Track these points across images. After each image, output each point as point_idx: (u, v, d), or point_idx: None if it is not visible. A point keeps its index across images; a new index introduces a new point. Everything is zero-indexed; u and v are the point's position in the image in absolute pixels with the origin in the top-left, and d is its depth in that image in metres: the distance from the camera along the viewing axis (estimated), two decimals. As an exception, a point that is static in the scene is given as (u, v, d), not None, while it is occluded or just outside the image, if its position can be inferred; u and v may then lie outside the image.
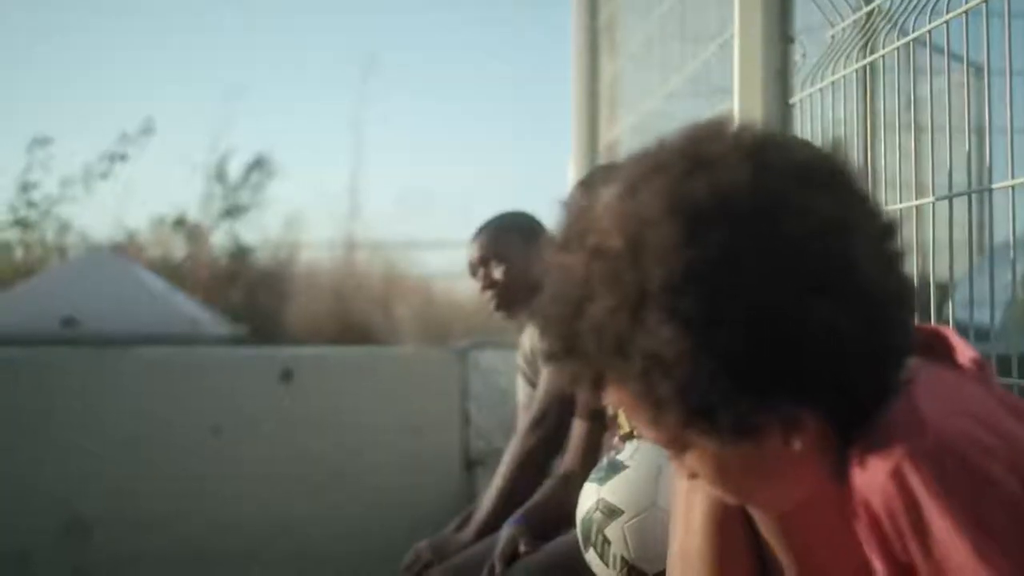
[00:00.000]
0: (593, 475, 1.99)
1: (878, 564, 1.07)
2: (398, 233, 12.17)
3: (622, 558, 1.87)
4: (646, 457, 1.95)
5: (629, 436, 2.39)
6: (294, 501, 4.62)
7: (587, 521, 1.93)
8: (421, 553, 2.73)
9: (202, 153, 11.39)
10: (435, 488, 4.62)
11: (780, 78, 2.18)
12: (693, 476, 1.15)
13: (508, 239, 3.02)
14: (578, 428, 2.62)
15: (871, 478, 1.04)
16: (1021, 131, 1.76)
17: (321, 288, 10.30)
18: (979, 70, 1.76)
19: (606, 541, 1.88)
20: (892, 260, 1.09)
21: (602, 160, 4.35)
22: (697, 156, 1.05)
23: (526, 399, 3.19)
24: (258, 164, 10.60)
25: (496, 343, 4.82)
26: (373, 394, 4.73)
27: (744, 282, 1.00)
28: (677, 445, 1.11)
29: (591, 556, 1.93)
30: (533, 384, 3.17)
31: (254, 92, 16.52)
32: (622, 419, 2.46)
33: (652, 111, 3.68)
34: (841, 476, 1.10)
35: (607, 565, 1.89)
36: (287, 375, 4.68)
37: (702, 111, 3.15)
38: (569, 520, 2.49)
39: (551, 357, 1.11)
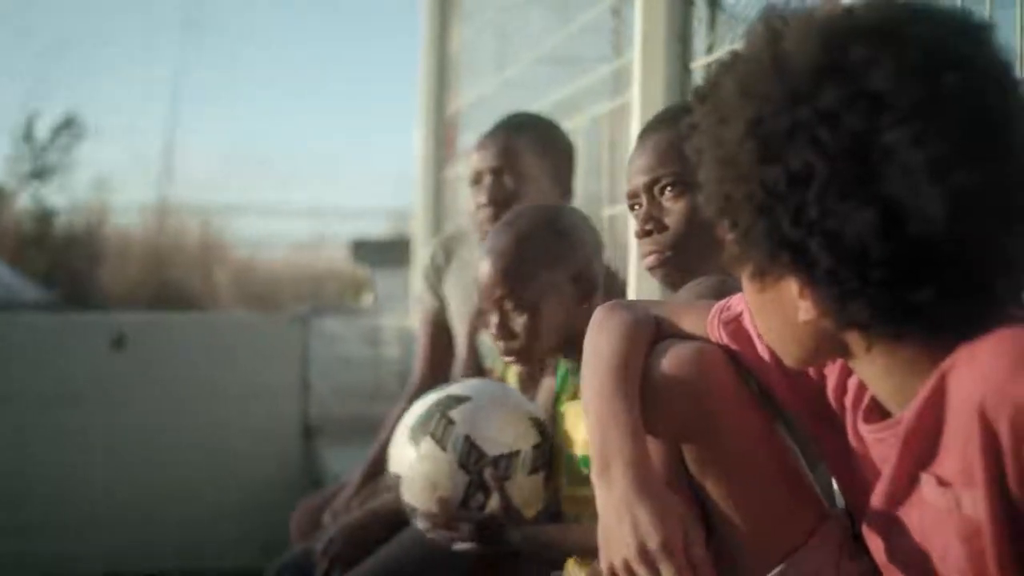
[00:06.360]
0: (431, 400, 1.96)
1: (978, 469, 1.06)
2: (217, 198, 11.85)
3: (465, 437, 1.85)
4: (481, 386, 1.98)
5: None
6: (129, 470, 4.47)
7: (427, 413, 1.91)
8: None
9: (8, 112, 10.80)
10: (274, 456, 4.55)
11: (681, 41, 2.19)
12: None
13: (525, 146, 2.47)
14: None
15: (996, 389, 1.02)
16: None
17: (133, 252, 9.98)
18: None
19: (449, 422, 1.87)
20: None
21: (447, 127, 4.34)
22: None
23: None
24: (67, 124, 10.17)
25: (336, 309, 4.77)
26: (210, 361, 4.61)
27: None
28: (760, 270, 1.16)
29: (424, 448, 1.88)
30: None
31: (69, 52, 15.85)
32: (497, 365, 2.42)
33: (507, 80, 3.68)
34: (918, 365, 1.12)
35: (443, 449, 1.86)
36: (119, 342, 4.53)
37: (563, 82, 3.18)
38: None
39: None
